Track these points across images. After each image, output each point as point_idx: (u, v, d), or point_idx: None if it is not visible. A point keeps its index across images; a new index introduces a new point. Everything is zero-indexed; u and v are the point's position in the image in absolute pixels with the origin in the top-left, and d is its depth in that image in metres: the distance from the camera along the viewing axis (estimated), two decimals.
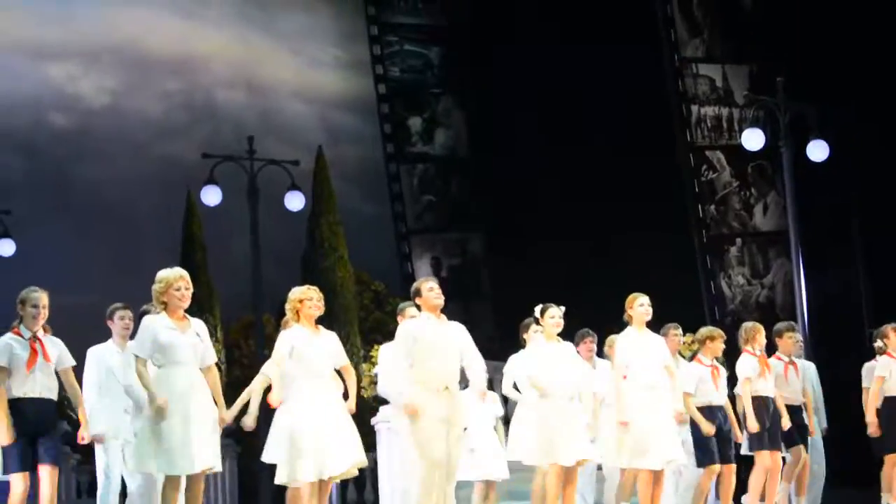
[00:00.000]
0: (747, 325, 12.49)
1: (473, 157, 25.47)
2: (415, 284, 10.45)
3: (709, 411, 11.78)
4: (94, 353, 10.67)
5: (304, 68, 26.90)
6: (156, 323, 9.22)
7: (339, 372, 10.19)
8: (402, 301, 22.23)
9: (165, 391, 9.07)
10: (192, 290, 9.35)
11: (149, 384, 9.16)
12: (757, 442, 11.94)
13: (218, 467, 9.40)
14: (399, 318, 11.19)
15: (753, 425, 11.96)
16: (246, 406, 9.97)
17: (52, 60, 25.33)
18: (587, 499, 12.91)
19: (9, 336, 9.49)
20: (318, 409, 9.77)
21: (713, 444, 11.79)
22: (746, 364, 12.07)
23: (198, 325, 9.39)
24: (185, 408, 9.07)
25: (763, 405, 11.95)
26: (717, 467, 11.91)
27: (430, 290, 10.16)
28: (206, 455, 9.15)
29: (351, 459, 9.92)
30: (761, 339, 12.15)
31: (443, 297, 10.20)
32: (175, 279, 9.25)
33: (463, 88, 25.67)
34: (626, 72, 22.73)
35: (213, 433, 9.25)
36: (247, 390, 9.94)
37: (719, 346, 12.14)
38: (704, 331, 12.18)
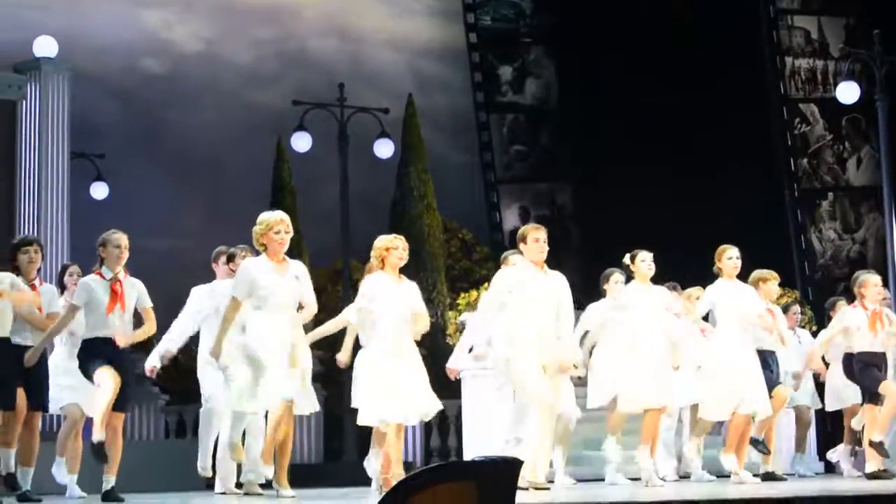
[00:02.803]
0: (864, 277, 12.24)
1: (563, 107, 25.35)
2: (522, 229, 10.32)
3: (760, 354, 11.63)
4: (197, 293, 10.86)
5: (395, 17, 26.90)
6: (255, 266, 9.32)
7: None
8: (488, 249, 22.36)
9: (263, 333, 9.18)
10: (291, 233, 9.42)
11: (223, 332, 9.31)
12: (869, 395, 11.79)
13: (308, 409, 9.47)
14: (503, 266, 11.23)
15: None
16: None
17: (147, 6, 25.56)
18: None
19: (90, 277, 9.64)
20: (396, 356, 9.85)
21: None
22: (848, 315, 11.92)
23: (297, 267, 9.46)
24: (281, 350, 9.16)
25: (871, 359, 11.80)
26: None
27: (536, 241, 10.04)
28: (293, 390, 9.23)
29: (423, 410, 10.01)
30: (866, 291, 11.93)
31: (547, 250, 10.10)
32: (276, 222, 9.32)
33: (554, 38, 25.53)
34: (720, 22, 22.50)
35: (307, 376, 9.35)
36: (321, 329, 10.11)
37: (772, 289, 11.98)
38: (756, 273, 11.99)
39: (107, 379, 9.39)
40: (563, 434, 12.31)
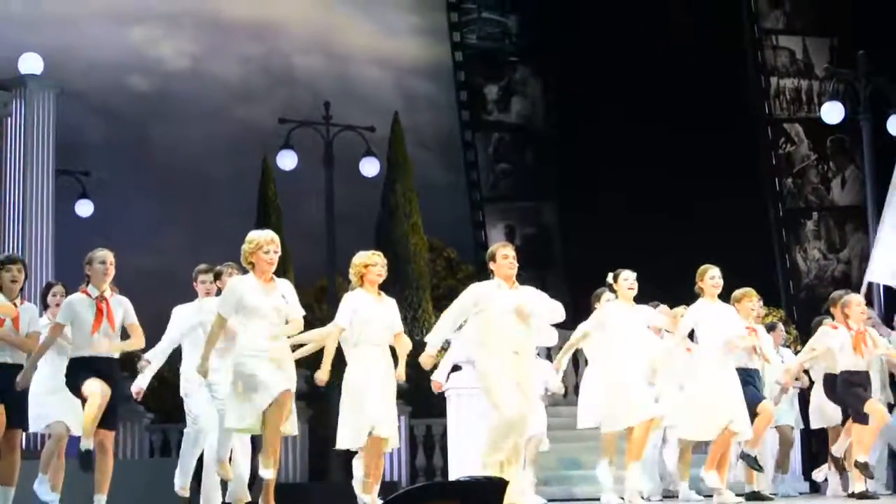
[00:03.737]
0: (847, 297, 12.25)
1: (549, 126, 25.40)
2: (491, 248, 10.31)
3: (744, 373, 11.60)
4: (179, 313, 10.81)
5: (381, 35, 26.93)
6: (242, 284, 9.26)
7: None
8: (473, 268, 22.30)
9: (249, 351, 9.13)
10: (280, 253, 9.37)
11: (209, 349, 9.25)
12: (855, 413, 11.80)
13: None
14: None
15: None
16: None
17: (132, 24, 25.55)
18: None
19: (76, 296, 9.61)
20: (374, 377, 9.84)
21: None
22: (829, 337, 11.91)
23: (283, 285, 9.42)
24: (265, 369, 9.11)
25: (855, 378, 11.80)
26: None
27: (505, 257, 10.01)
28: (282, 383, 9.15)
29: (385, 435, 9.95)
30: (850, 312, 11.93)
31: (516, 266, 10.09)
32: (266, 241, 9.27)
33: (540, 57, 25.59)
34: (705, 42, 22.57)
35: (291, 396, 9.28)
36: (305, 335, 10.13)
37: (751, 307, 11.97)
38: (735, 293, 11.98)
39: (95, 387, 9.36)
40: (533, 456, 12.30)
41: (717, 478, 11.22)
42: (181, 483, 11.00)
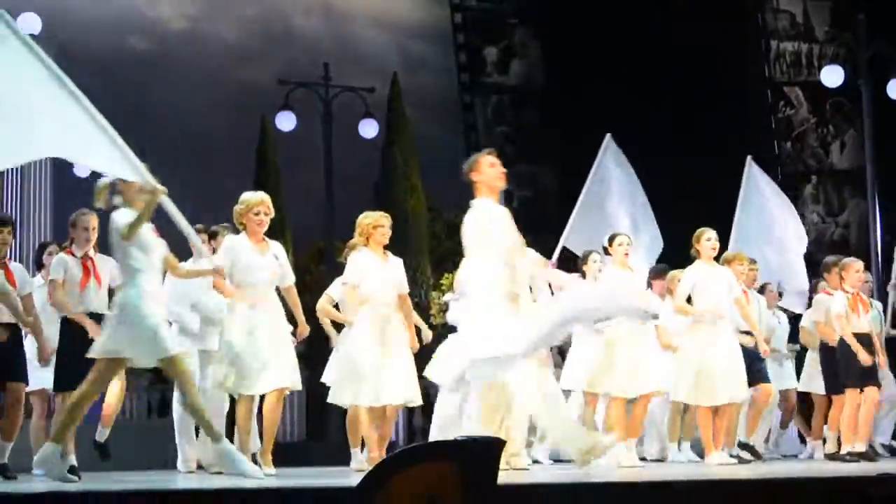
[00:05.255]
0: (846, 261, 12.24)
1: (548, 88, 25.34)
2: (471, 157, 9.10)
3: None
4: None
5: None
6: (237, 243, 9.31)
7: None
8: None
9: (241, 310, 9.16)
10: (272, 214, 9.41)
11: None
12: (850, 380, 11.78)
13: (295, 385, 9.42)
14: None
15: (865, 359, 11.75)
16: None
17: None
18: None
19: (63, 255, 9.62)
20: (381, 335, 9.86)
21: None
22: (835, 302, 11.90)
23: (276, 247, 9.47)
24: (258, 329, 9.14)
25: (859, 341, 11.78)
26: None
27: (492, 165, 8.92)
28: (282, 374, 9.19)
29: (406, 395, 10.00)
30: (847, 275, 11.92)
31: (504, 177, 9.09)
32: (256, 203, 9.33)
33: (540, 19, 25.50)
34: (706, 5, 22.50)
35: (288, 353, 9.31)
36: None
37: (740, 269, 11.92)
38: (725, 255, 11.93)
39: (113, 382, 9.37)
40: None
41: (725, 456, 11.21)
42: (186, 457, 10.91)
